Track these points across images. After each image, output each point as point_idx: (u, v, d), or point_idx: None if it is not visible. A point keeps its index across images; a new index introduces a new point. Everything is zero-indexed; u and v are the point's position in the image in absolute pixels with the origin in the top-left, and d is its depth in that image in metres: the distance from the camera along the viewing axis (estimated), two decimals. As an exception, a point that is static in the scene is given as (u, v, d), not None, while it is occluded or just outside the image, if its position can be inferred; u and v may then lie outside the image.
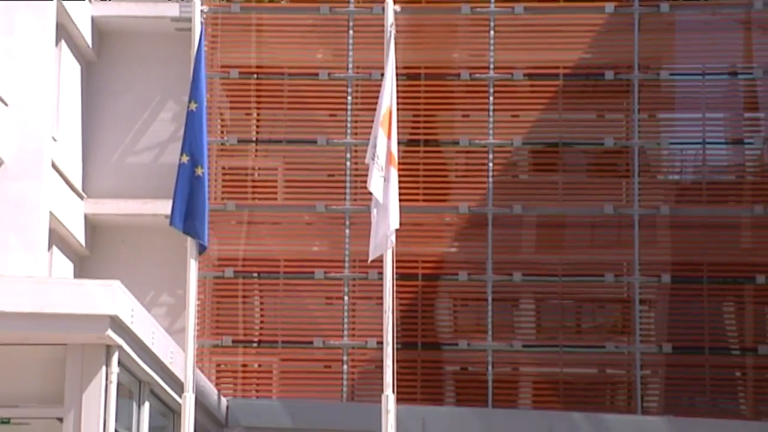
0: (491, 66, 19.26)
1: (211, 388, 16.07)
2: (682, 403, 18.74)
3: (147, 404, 13.32)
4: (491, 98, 19.24)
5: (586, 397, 18.77)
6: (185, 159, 12.00)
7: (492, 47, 19.24)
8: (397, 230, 12.97)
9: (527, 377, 19.11)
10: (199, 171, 11.92)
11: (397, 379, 12.94)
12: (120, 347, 11.99)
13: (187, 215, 11.87)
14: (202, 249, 12.07)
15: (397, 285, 13.72)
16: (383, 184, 12.43)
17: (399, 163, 13.46)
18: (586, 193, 19.23)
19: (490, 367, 18.79)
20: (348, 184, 19.11)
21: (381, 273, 12.51)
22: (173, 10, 19.68)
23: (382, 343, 12.26)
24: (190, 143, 12.00)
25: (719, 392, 18.77)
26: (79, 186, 19.13)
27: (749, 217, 19.04)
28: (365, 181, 13.06)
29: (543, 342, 19.01)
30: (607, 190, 19.26)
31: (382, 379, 12.22)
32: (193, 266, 12.05)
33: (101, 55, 20.01)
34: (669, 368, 18.86)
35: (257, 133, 19.62)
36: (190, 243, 11.96)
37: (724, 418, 18.11)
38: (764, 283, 18.81)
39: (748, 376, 18.85)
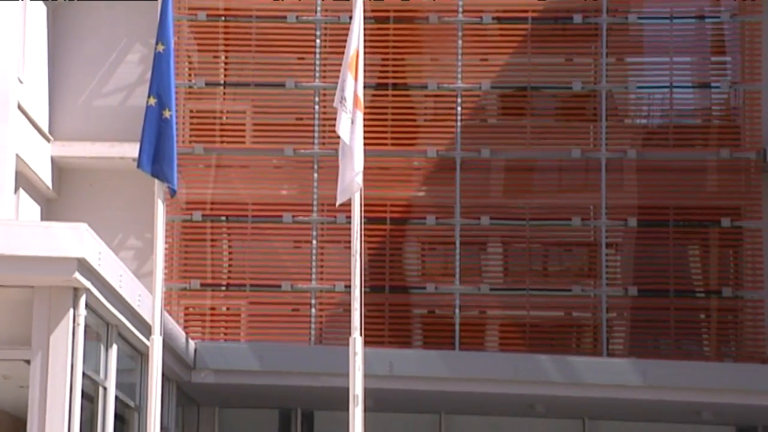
0: (460, 9, 19.22)
1: (179, 332, 16.10)
2: (646, 345, 18.92)
3: (115, 347, 13.35)
4: (460, 42, 19.21)
5: (552, 340, 18.93)
6: (153, 101, 11.94)
7: (461, -10, 19.21)
8: (364, 174, 12.97)
9: (494, 320, 19.24)
10: (166, 113, 11.86)
11: (365, 322, 13.00)
12: (87, 290, 11.98)
13: (155, 158, 11.83)
14: (172, 192, 12.03)
15: (365, 229, 13.77)
16: (350, 127, 12.41)
17: (367, 107, 13.43)
18: (554, 137, 19.29)
19: (457, 310, 18.90)
20: (316, 128, 19.08)
21: (349, 217, 12.53)
22: (139, -49, 19.51)
23: (350, 286, 12.30)
24: (158, 85, 11.93)
25: (683, 334, 18.96)
26: (45, 128, 19.02)
27: (715, 161, 19.15)
28: (334, 125, 13.04)
29: (510, 285, 19.12)
30: (574, 134, 19.33)
31: (350, 322, 12.26)
32: (160, 209, 12.04)
33: (67, -4, 19.84)
34: (634, 311, 19.03)
35: (225, 76, 19.54)
36: (157, 186, 11.92)
37: (688, 360, 18.30)
38: (729, 226, 18.97)
39: (712, 318, 19.05)
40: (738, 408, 17.29)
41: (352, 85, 12.56)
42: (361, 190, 12.69)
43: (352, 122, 12.44)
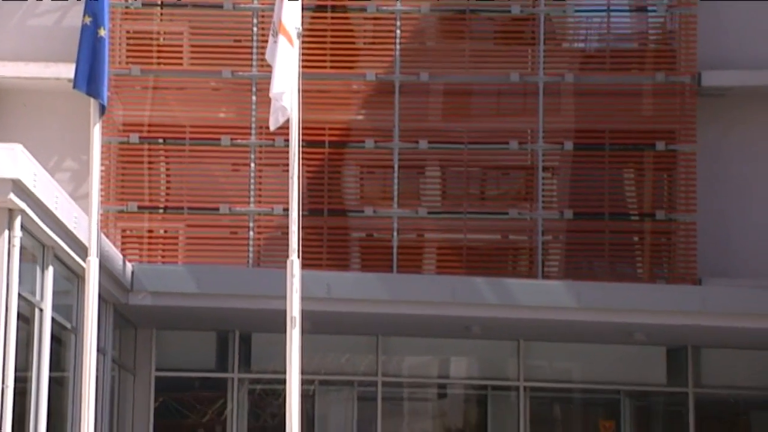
0: (399, -70, 19.13)
1: (116, 254, 16.06)
2: (581, 267, 19.15)
3: (51, 269, 13.30)
4: (399, -36, 19.14)
5: (489, 263, 19.10)
6: (88, 20, 11.78)
7: None
8: (303, 97, 12.93)
9: (431, 243, 19.37)
10: (101, 32, 11.73)
11: (303, 245, 13.03)
12: (22, 211, 11.91)
13: (91, 77, 11.71)
14: (102, 110, 11.91)
15: (303, 152, 13.73)
16: (274, 48, 12.30)
17: (306, 30, 13.30)
18: (493, 61, 19.32)
19: (395, 234, 19.00)
20: (255, 50, 18.98)
21: (287, 140, 12.49)
22: None
23: (288, 209, 12.30)
24: (93, 3, 11.78)
25: (617, 257, 19.22)
26: (-21, 49, 18.77)
27: (651, 85, 19.30)
28: (272, 47, 12.96)
29: (448, 209, 19.24)
30: (513, 57, 19.37)
31: (287, 245, 12.28)
32: (96, 131, 11.94)
33: None
34: (569, 234, 19.24)
35: (162, -4, 19.35)
36: (93, 107, 11.82)
37: (622, 282, 18.56)
38: (664, 149, 19.17)
39: (646, 240, 19.30)
40: (669, 329, 17.57)
41: (280, 9, 12.43)
42: (299, 113, 12.64)
43: (276, 44, 12.31)
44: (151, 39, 19.20)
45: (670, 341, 18.87)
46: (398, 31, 19.15)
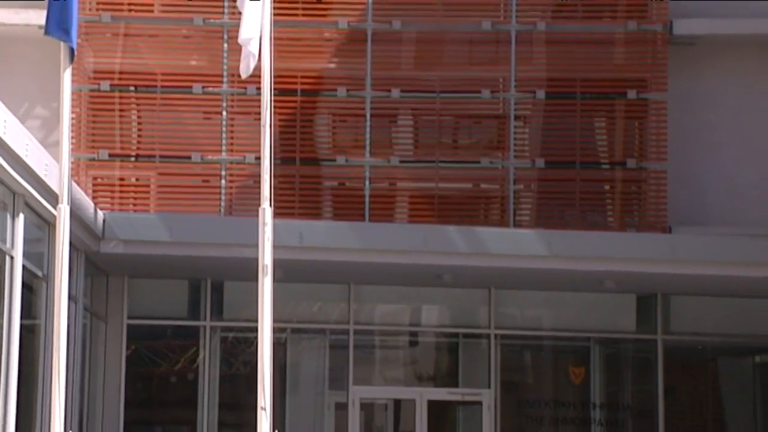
0: None
1: (87, 202, 16.01)
2: (552, 216, 19.23)
3: (21, 216, 13.27)
4: None
5: (461, 211, 19.16)
6: (57, -33, 11.68)
7: None
8: (276, 45, 12.88)
9: (403, 192, 19.40)
10: (71, -23, 11.61)
11: (275, 194, 13.03)
12: (-7, 159, 11.88)
13: (61, 22, 11.61)
14: (72, 55, 11.81)
15: (275, 100, 13.71)
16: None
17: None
18: (465, 9, 19.27)
19: (367, 182, 19.02)
20: (226, -3, 18.90)
21: (259, 88, 12.45)
22: None
23: (260, 158, 12.29)
24: (62, -51, 11.66)
25: (588, 205, 19.30)
26: (-54, -5, 18.60)
27: (622, 33, 19.32)
28: (243, -6, 12.88)
29: (420, 157, 19.26)
30: (485, 6, 19.32)
31: (259, 193, 12.28)
32: (67, 76, 11.87)
33: None
34: (541, 182, 19.30)
35: (132, -57, 19.19)
36: (63, 52, 11.73)
37: (592, 230, 18.66)
38: (635, 98, 19.22)
39: (616, 189, 19.38)
40: (639, 276, 17.69)
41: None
42: (271, 61, 12.60)
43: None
44: (122, -15, 19.06)
45: (640, 289, 19.00)
46: (370, -21, 19.09)
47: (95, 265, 17.24)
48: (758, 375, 20.59)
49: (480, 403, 19.14)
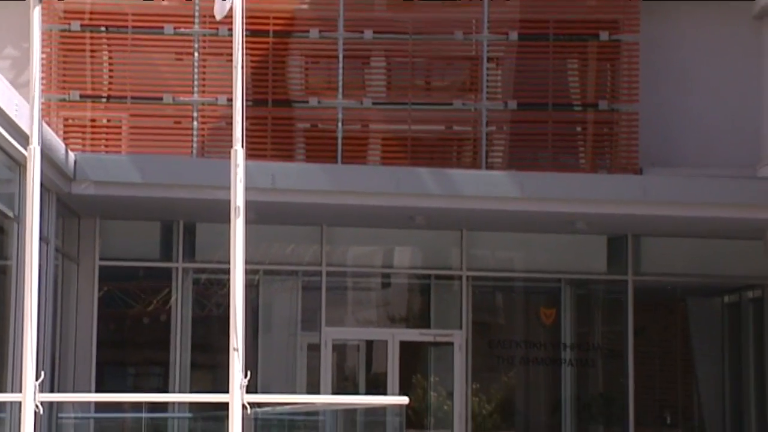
0: None
1: (58, 143, 15.94)
2: (525, 158, 19.27)
3: (-8, 157, 13.23)
4: None
5: (433, 153, 19.17)
6: None
7: None
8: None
9: (376, 134, 19.39)
10: None
11: (248, 136, 12.91)
12: (-38, 99, 11.80)
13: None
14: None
15: (247, 41, 13.61)
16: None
17: None
18: (438, -50, 19.20)
19: (340, 124, 18.99)
20: (197, -64, 18.74)
21: (231, 29, 12.39)
22: None
23: (232, 99, 12.23)
24: None
25: (561, 147, 19.34)
26: None
27: (595, -25, 19.31)
28: (214, -67, 12.79)
29: (392, 99, 19.22)
30: (458, -54, 19.26)
31: (231, 135, 12.23)
32: (36, 14, 11.74)
33: None
34: (513, 124, 19.31)
35: None
36: (32, -8, 11.61)
37: (564, 172, 18.71)
38: (607, 40, 19.21)
39: (588, 131, 19.43)
40: (610, 218, 17.78)
41: None
42: (243, 2, 12.52)
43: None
44: (92, -76, 18.87)
45: (611, 230, 19.10)
46: None
47: (67, 207, 17.19)
48: (727, 315, 20.79)
49: (451, 344, 19.26)
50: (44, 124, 13.77)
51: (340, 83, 18.98)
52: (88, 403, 15.12)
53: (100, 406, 15.09)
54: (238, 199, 10.53)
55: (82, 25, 18.71)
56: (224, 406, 9.55)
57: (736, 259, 19.45)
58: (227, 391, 9.49)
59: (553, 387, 19.69)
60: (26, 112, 12.47)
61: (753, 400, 19.78)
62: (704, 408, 20.76)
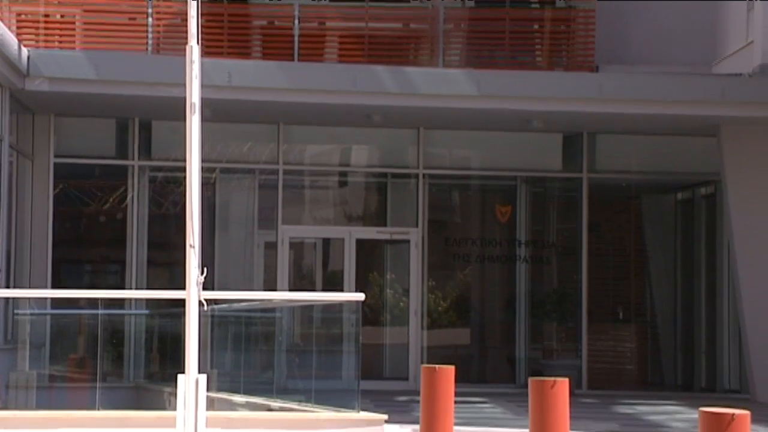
0: None
1: (11, 38, 15.76)
2: (482, 56, 19.23)
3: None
4: None
5: (391, 51, 19.10)
6: None
7: None
8: None
9: (333, 32, 19.27)
10: None
11: (204, 33, 12.86)
12: None
13: None
14: None
15: (202, -64, 13.44)
16: None
17: None
18: None
19: (296, 22, 18.84)
20: None
21: (185, -75, 12.24)
22: None
23: (187, -6, 12.11)
24: None
25: (518, 45, 19.31)
26: None
27: None
28: None
29: (350, -4, 19.10)
30: None
31: (187, 32, 12.14)
32: None
33: None
34: (471, 22, 19.24)
35: None
36: None
37: (521, 70, 18.70)
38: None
39: (546, 28, 19.39)
40: (566, 115, 17.83)
41: None
42: None
43: None
44: None
45: (567, 128, 19.17)
46: None
47: (20, 103, 17.05)
48: (680, 211, 20.99)
49: (408, 242, 19.38)
50: (-4, 20, 13.59)
51: (297, -14, 18.81)
52: (45, 299, 15.12)
53: (57, 303, 15.11)
54: (194, 95, 10.47)
55: None
56: (181, 303, 9.62)
57: (690, 156, 19.60)
58: (184, 288, 9.55)
59: (508, 284, 19.89)
60: (-22, 8, 12.30)
61: (703, 295, 20.07)
62: (656, 303, 21.06)
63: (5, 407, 11.95)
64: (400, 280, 19.52)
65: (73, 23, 18.73)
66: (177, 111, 12.63)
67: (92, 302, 12.81)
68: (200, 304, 9.46)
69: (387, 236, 19.57)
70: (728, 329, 19.40)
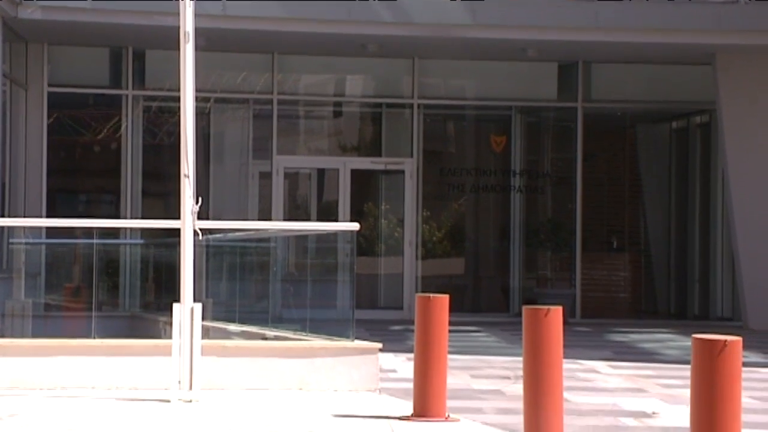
0: None
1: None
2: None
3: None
4: None
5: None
6: None
7: None
8: None
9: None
10: None
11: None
12: None
13: None
14: None
15: None
16: None
17: None
18: None
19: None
20: None
21: None
22: None
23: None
24: None
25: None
26: None
27: None
28: None
29: None
30: None
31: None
32: None
33: None
34: None
35: None
36: None
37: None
38: None
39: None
40: (561, 44, 17.76)
41: None
42: None
43: None
44: None
45: (562, 57, 19.10)
46: None
47: (13, 32, 16.96)
48: (675, 140, 20.99)
49: (402, 172, 19.39)
50: (-12, -52, 13.47)
51: None
52: (39, 228, 15.14)
53: (52, 233, 15.13)
54: (188, 24, 10.41)
55: None
56: (176, 233, 9.64)
57: (685, 85, 19.57)
58: (179, 218, 9.57)
59: (503, 214, 19.93)
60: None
61: (697, 224, 20.13)
62: (650, 232, 21.13)
63: (1, 335, 12.01)
64: (394, 210, 19.56)
65: (66, -49, 18.55)
66: (171, 40, 12.57)
67: (87, 232, 12.82)
68: (195, 233, 9.49)
69: (382, 166, 19.57)
70: (721, 258, 19.49)
